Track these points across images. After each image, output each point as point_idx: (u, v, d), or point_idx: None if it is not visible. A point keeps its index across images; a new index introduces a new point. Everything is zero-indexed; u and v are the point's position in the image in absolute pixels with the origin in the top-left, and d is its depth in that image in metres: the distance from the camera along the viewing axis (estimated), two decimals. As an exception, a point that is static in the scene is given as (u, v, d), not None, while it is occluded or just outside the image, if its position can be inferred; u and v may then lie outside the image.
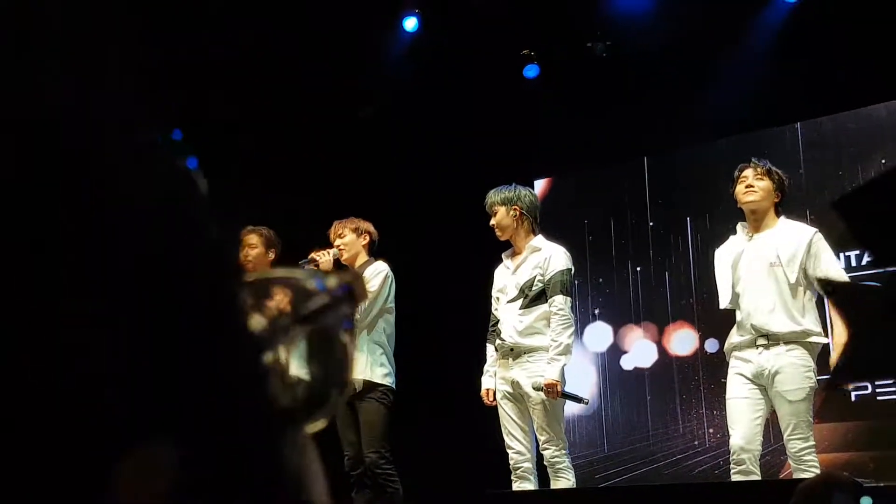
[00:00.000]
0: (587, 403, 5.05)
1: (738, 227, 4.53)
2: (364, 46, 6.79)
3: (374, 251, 5.24)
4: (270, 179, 5.08)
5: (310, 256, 5.01)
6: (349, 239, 5.13)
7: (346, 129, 6.85)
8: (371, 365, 4.85)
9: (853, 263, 5.69)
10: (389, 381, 4.95)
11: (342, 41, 6.54)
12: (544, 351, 4.62)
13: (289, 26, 6.38)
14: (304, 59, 6.49)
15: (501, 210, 4.75)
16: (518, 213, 4.75)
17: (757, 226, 4.41)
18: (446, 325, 6.52)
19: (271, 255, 5.14)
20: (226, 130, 6.17)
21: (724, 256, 4.52)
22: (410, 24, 6.97)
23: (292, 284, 0.52)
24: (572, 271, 4.75)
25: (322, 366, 0.53)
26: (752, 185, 4.34)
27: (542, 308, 4.63)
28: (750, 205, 4.38)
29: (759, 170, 4.36)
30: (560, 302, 4.58)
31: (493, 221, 4.78)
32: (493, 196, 4.80)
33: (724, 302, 4.46)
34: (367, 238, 5.21)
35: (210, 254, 0.43)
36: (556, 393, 4.45)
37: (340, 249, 5.10)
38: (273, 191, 6.03)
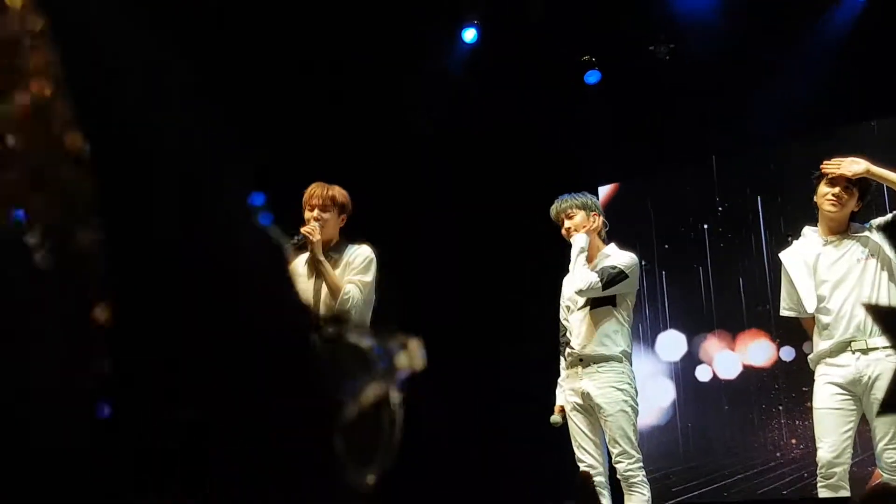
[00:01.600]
0: None
1: (807, 230, 4.36)
2: (424, 59, 6.76)
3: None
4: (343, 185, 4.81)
5: (301, 232, 4.18)
6: (330, 215, 4.32)
7: (409, 141, 6.81)
8: None
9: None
10: None
11: (403, 55, 6.52)
12: (616, 361, 4.49)
13: (345, 42, 6.38)
14: (363, 73, 6.48)
15: (580, 214, 4.62)
16: (597, 219, 4.64)
17: (833, 228, 4.23)
18: (518, 335, 6.43)
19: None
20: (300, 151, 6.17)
21: (796, 260, 4.32)
22: (470, 35, 6.94)
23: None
24: (626, 275, 4.54)
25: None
26: (839, 195, 4.15)
27: (610, 311, 4.51)
28: (832, 214, 4.20)
29: (848, 183, 4.15)
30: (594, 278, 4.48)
31: (568, 225, 4.64)
32: (570, 201, 4.66)
33: (810, 307, 4.25)
34: (346, 218, 4.40)
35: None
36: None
37: (321, 222, 4.27)
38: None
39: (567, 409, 4.63)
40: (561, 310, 4.78)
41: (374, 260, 4.32)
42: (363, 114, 6.56)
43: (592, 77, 6.83)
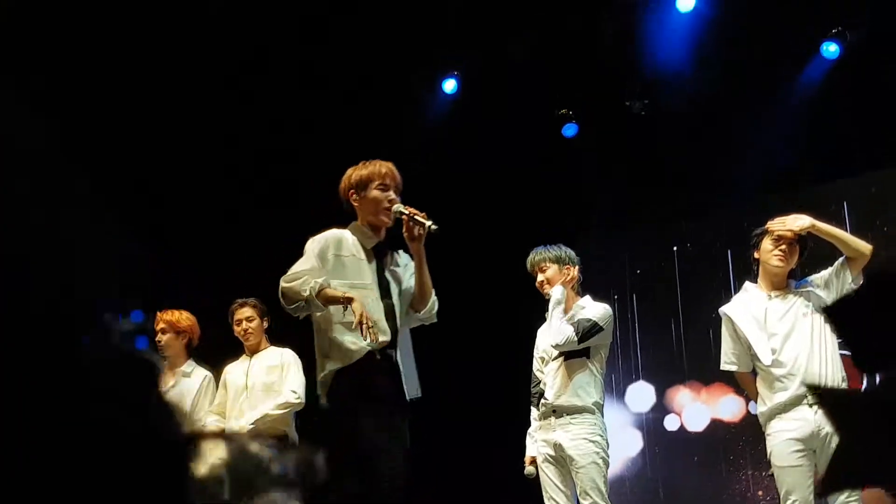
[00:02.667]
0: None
1: (749, 285, 4.44)
2: (404, 109, 6.87)
3: None
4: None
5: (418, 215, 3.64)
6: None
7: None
8: None
9: None
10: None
11: (384, 104, 6.63)
12: (588, 412, 4.55)
13: (329, 88, 6.48)
14: (344, 120, 6.57)
15: (553, 268, 4.70)
16: (570, 272, 4.72)
17: (777, 283, 4.33)
18: (486, 382, 6.47)
19: (265, 324, 5.37)
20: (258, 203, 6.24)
21: (744, 315, 4.39)
22: (450, 86, 7.06)
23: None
24: (601, 327, 4.62)
25: None
26: (785, 251, 4.27)
27: (584, 363, 4.57)
28: (777, 269, 4.31)
29: (790, 237, 4.27)
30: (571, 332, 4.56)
31: (542, 278, 4.72)
32: (544, 253, 4.75)
33: (765, 360, 4.30)
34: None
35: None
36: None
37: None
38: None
39: (539, 460, 4.67)
40: (534, 360, 4.84)
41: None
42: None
43: (570, 130, 6.97)
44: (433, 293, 3.74)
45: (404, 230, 3.64)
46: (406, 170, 3.81)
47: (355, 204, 3.76)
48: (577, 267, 4.77)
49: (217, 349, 5.39)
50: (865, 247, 4.19)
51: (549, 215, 6.67)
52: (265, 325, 5.37)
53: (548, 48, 6.52)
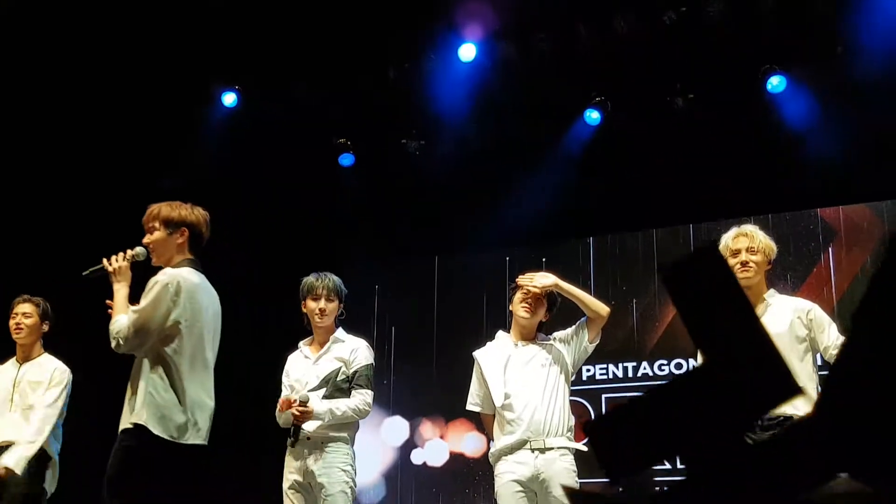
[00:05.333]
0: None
1: (500, 333, 4.76)
2: (179, 117, 6.70)
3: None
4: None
5: (100, 265, 3.98)
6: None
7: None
8: None
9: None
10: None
11: (157, 110, 6.44)
12: (343, 442, 4.62)
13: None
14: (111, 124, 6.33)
15: (335, 303, 4.75)
16: (338, 305, 4.77)
17: (524, 334, 4.64)
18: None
19: (45, 328, 5.12)
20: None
21: (489, 359, 4.68)
22: (229, 99, 6.96)
23: None
24: (373, 366, 4.80)
25: None
26: (531, 304, 4.57)
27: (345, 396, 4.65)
28: (523, 321, 4.61)
29: (540, 295, 4.58)
30: (365, 395, 4.63)
31: (325, 307, 4.72)
32: (332, 283, 4.75)
33: (497, 402, 4.57)
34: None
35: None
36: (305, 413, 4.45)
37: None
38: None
39: (284, 486, 4.67)
40: (284, 388, 4.82)
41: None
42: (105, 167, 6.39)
43: (347, 160, 7.06)
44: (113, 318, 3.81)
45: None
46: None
47: None
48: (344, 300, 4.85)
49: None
50: (602, 308, 4.58)
51: (317, 241, 6.71)
52: (44, 328, 5.10)
53: (332, 83, 6.62)
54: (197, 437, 3.74)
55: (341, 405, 4.58)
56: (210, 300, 3.92)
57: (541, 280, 4.57)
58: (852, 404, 0.64)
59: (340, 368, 4.70)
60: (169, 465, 3.65)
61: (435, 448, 6.77)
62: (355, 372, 4.67)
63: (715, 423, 0.66)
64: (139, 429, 3.63)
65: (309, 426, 4.60)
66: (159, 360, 3.72)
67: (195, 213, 3.96)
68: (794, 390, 0.66)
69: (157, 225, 3.91)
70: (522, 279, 4.63)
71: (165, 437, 3.62)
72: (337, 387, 4.67)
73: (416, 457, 6.81)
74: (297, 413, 4.47)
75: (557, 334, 4.68)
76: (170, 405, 3.66)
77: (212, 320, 3.92)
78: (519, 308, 4.63)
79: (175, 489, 3.65)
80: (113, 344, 3.78)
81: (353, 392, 4.64)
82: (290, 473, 4.66)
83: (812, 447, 0.65)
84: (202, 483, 3.76)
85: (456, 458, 6.72)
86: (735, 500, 0.65)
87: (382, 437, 6.88)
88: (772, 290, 4.31)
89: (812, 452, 0.65)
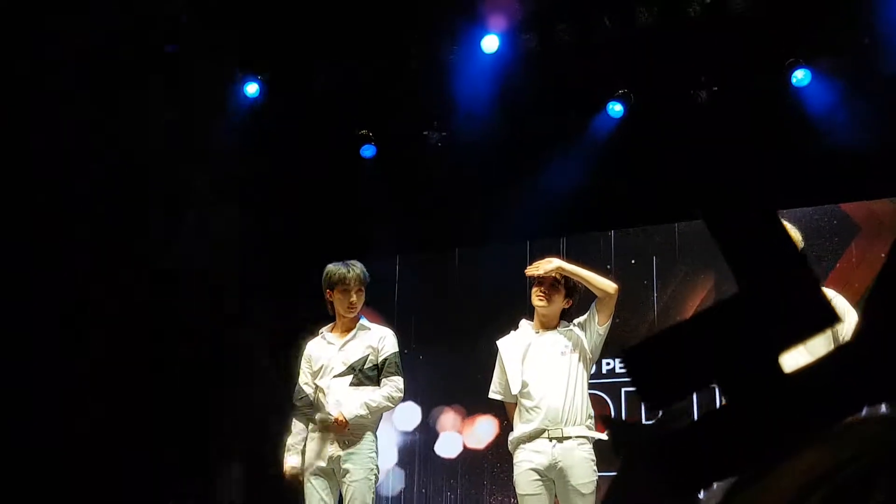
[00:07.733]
0: None
1: (523, 322, 4.77)
2: (204, 106, 6.73)
3: None
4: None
5: None
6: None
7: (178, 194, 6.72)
8: None
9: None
10: None
11: (182, 100, 6.47)
12: (369, 430, 4.66)
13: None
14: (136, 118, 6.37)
15: (363, 289, 4.80)
16: (364, 294, 4.83)
17: (544, 323, 4.65)
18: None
19: None
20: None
21: (510, 348, 4.69)
22: (252, 89, 6.98)
23: None
24: (400, 353, 4.84)
25: None
26: (545, 292, 4.58)
27: (374, 388, 4.69)
28: (541, 309, 4.61)
29: (553, 281, 4.59)
30: (397, 381, 4.69)
31: (355, 300, 4.76)
32: (362, 274, 4.78)
33: (514, 390, 4.59)
34: None
35: None
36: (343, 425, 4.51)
37: None
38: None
39: (308, 472, 4.69)
40: (302, 373, 4.85)
41: None
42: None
43: (368, 151, 7.07)
44: None
45: None
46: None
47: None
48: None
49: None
50: (609, 285, 4.58)
51: (340, 234, 6.73)
52: None
53: (354, 74, 6.63)
54: None
55: (375, 397, 4.62)
56: None
57: (544, 266, 4.60)
58: (892, 331, 0.64)
59: (368, 356, 4.74)
60: None
61: (452, 438, 6.77)
62: (385, 360, 4.71)
63: (752, 350, 0.67)
64: None
65: (335, 411, 4.63)
66: None
67: None
68: (833, 318, 0.66)
69: None
70: (529, 269, 4.66)
71: None
72: (365, 374, 4.71)
73: (436, 447, 6.82)
74: (336, 427, 4.53)
75: (577, 320, 4.69)
76: None
77: None
78: (534, 298, 4.66)
79: None
80: None
81: (382, 381, 4.68)
82: (314, 459, 4.69)
83: (851, 375, 0.65)
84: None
85: (473, 449, 6.72)
86: (772, 428, 0.65)
87: (400, 426, 6.89)
88: None
89: (851, 381, 0.66)
